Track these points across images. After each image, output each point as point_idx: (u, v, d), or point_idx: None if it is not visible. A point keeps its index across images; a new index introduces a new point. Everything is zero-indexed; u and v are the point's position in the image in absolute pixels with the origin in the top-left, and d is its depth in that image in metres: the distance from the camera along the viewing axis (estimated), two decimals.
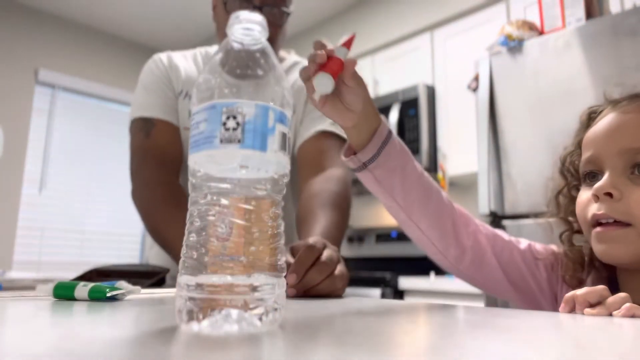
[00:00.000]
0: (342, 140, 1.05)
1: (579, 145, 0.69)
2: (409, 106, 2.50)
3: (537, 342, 0.31)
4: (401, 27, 2.78)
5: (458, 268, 0.72)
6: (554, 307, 0.69)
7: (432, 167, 2.46)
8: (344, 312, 0.49)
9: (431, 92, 2.53)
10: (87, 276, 0.87)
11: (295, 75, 1.11)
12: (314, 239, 0.66)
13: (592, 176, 0.63)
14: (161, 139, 1.03)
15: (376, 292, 2.16)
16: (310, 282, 0.61)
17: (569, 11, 1.65)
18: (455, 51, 2.49)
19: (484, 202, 1.70)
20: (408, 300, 2.17)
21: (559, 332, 0.37)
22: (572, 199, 0.68)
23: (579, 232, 0.66)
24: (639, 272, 0.60)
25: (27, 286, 0.89)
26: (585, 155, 0.64)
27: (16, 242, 3.02)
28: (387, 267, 2.20)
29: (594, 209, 0.59)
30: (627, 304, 0.47)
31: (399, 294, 2.19)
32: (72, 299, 0.51)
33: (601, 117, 0.65)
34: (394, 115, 2.50)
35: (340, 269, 0.65)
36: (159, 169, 1.01)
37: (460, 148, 2.38)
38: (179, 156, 1.04)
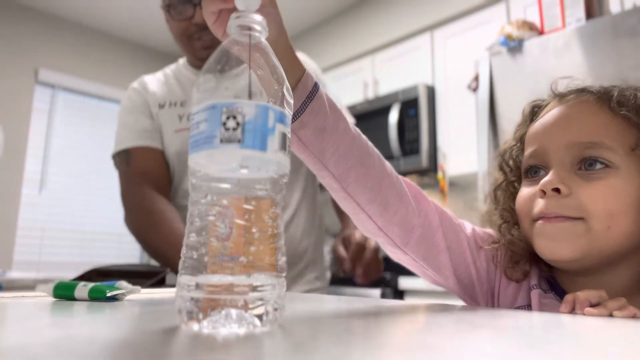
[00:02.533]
0: None
1: (520, 139, 0.66)
2: (409, 106, 2.49)
3: (537, 342, 0.31)
4: (401, 27, 2.78)
5: (403, 250, 0.62)
6: (489, 301, 0.65)
7: (432, 167, 2.46)
8: (344, 312, 0.49)
9: (431, 92, 2.53)
10: (87, 276, 0.87)
11: None
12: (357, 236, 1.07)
13: (534, 171, 0.60)
14: (141, 163, 1.11)
15: (376, 292, 2.16)
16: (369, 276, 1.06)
17: (569, 11, 1.64)
18: (455, 51, 2.49)
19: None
20: (408, 300, 2.17)
21: (559, 332, 0.37)
22: (511, 194, 0.65)
23: (517, 225, 0.63)
24: (578, 275, 0.58)
25: (27, 286, 0.89)
26: (530, 149, 0.61)
27: (16, 242, 3.02)
28: (387, 267, 2.19)
29: (541, 205, 0.56)
30: (630, 306, 0.47)
31: (399, 294, 2.19)
32: (72, 299, 0.51)
33: (546, 111, 0.62)
34: (394, 115, 2.50)
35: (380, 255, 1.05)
36: (143, 193, 1.08)
37: (460, 148, 2.38)
38: (163, 174, 1.12)
